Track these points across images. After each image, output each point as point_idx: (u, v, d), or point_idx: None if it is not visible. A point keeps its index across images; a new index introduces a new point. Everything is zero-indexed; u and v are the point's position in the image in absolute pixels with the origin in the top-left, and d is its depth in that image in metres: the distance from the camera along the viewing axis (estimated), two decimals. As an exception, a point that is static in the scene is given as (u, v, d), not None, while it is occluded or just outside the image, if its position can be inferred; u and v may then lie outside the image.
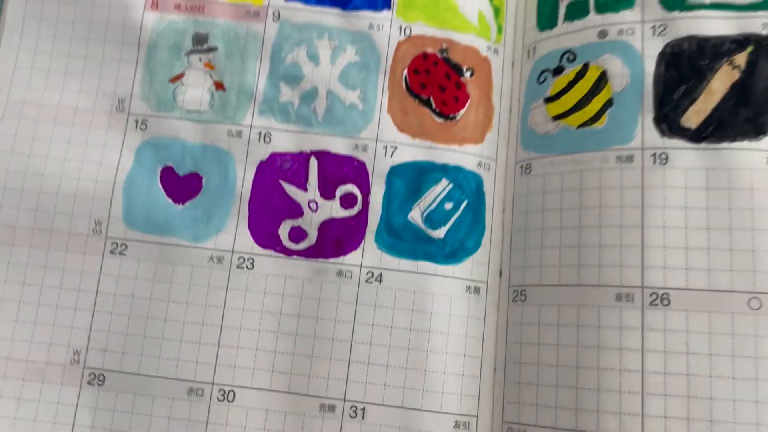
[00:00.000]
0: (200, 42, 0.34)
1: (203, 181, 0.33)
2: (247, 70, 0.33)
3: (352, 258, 0.32)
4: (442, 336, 0.31)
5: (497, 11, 0.35)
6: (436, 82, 0.33)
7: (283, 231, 0.32)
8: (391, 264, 0.32)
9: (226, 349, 0.31)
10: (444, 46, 0.34)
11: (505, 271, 0.32)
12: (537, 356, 0.29)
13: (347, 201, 0.32)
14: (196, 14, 0.34)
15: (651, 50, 0.30)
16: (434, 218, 0.32)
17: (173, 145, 0.33)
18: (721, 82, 0.29)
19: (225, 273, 0.32)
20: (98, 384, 0.31)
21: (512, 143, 0.33)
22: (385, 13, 0.34)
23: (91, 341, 0.31)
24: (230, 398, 0.31)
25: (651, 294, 0.28)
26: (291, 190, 0.32)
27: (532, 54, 0.34)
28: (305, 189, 0.32)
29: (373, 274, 0.32)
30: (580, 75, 0.31)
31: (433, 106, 0.33)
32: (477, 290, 0.32)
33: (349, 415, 0.31)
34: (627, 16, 0.31)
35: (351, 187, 0.32)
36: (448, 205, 0.32)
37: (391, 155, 0.32)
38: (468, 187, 0.32)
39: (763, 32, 0.29)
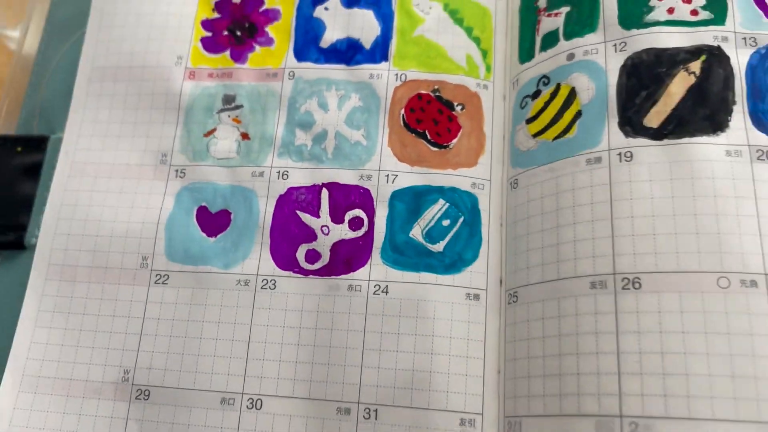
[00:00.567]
0: (229, 102, 0.40)
1: (232, 216, 0.37)
2: (268, 121, 0.39)
3: (361, 274, 0.35)
4: (445, 340, 0.34)
5: (485, 53, 0.39)
6: (430, 117, 0.38)
7: (300, 254, 0.36)
8: (396, 277, 0.35)
9: (253, 362, 0.35)
10: (436, 87, 0.38)
11: (504, 278, 0.35)
12: (527, 351, 0.32)
13: (355, 224, 0.36)
14: (225, 80, 0.40)
15: (613, 64, 0.33)
16: (433, 234, 0.35)
17: (206, 188, 0.38)
18: (678, 85, 0.32)
19: (251, 294, 0.36)
20: (144, 399, 0.35)
21: (505, 164, 0.37)
22: (383, 64, 0.39)
23: (138, 361, 0.36)
24: (258, 406, 0.34)
25: (623, 279, 0.30)
26: (306, 218, 0.37)
27: (516, 85, 0.38)
28: (318, 216, 0.37)
29: (380, 287, 0.35)
30: (554, 95, 0.35)
31: (428, 137, 0.37)
32: (476, 297, 0.34)
33: (363, 416, 0.33)
34: (590, 38, 0.35)
35: (358, 212, 0.36)
36: (446, 222, 0.36)
37: (393, 182, 0.37)
38: (463, 205, 0.36)
39: (714, 43, 0.32)
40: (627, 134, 0.32)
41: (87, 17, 0.43)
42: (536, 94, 0.36)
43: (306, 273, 0.36)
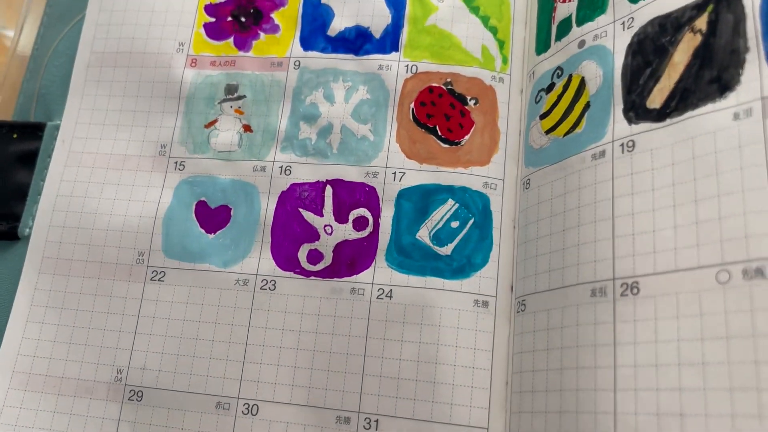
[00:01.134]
0: (231, 92, 0.38)
1: (232, 212, 0.36)
2: (271, 112, 0.37)
3: (365, 276, 0.34)
4: (450, 349, 0.32)
5: (502, 44, 0.37)
6: (441, 112, 0.36)
7: (302, 254, 0.35)
8: (401, 281, 0.33)
9: (250, 365, 0.33)
10: (448, 79, 0.36)
11: (514, 285, 0.33)
12: (532, 364, 0.30)
13: (359, 224, 0.34)
14: (228, 68, 0.38)
15: (620, 45, 0.31)
16: (441, 236, 0.34)
17: (206, 182, 0.36)
18: (683, 52, 0.29)
19: (250, 294, 0.34)
20: (137, 400, 0.34)
21: (520, 163, 0.35)
22: (393, 55, 0.37)
23: (132, 361, 0.34)
24: (254, 412, 0.33)
25: (621, 285, 0.28)
26: (308, 216, 0.35)
27: (532, 78, 0.35)
28: (321, 215, 0.35)
29: (383, 291, 0.33)
30: (566, 87, 0.33)
31: (439, 133, 0.35)
32: (485, 304, 0.33)
33: (364, 426, 0.32)
34: (601, 21, 0.32)
35: (363, 211, 0.35)
36: (455, 224, 0.34)
37: (400, 180, 0.35)
38: (474, 206, 0.34)
39: None
40: (630, 121, 0.30)
41: (87, 1, 0.41)
42: (550, 88, 0.34)
43: (307, 274, 0.34)
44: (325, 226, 0.35)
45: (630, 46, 0.31)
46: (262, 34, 0.39)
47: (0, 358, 0.35)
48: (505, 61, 0.37)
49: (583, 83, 0.32)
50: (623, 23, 0.32)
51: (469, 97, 0.36)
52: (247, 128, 0.37)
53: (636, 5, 0.31)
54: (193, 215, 0.36)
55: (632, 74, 0.30)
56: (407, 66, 0.37)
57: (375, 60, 0.37)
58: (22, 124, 0.39)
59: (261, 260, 0.35)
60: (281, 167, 0.36)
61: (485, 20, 0.37)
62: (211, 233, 0.36)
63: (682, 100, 0.28)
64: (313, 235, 0.35)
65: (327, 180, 0.35)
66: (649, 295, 0.27)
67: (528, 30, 0.37)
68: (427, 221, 0.34)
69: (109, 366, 0.35)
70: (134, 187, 0.37)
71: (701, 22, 0.29)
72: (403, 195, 0.34)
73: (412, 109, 0.36)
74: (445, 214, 0.34)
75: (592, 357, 0.28)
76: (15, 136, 0.39)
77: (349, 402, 0.32)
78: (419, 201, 0.34)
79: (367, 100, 0.36)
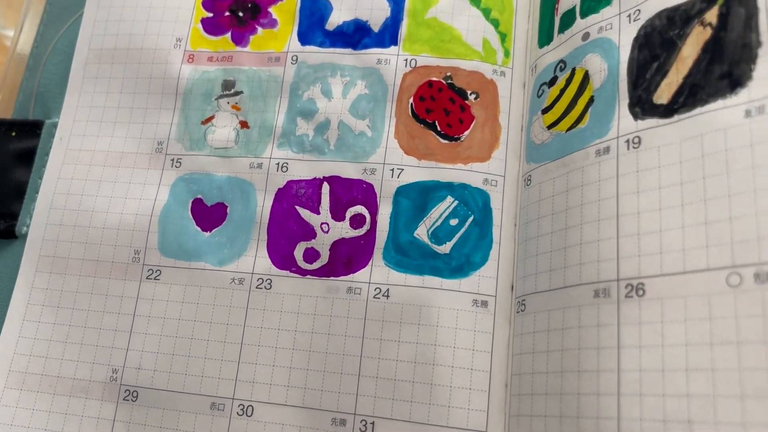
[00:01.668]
0: (228, 87, 0.37)
1: (228, 210, 0.35)
2: (269, 108, 0.36)
3: (361, 275, 0.33)
4: (448, 349, 0.31)
5: (504, 37, 0.36)
6: (440, 107, 0.35)
7: (298, 252, 0.34)
8: (398, 280, 0.32)
9: (245, 366, 0.33)
10: (448, 73, 0.35)
11: (515, 284, 0.32)
12: (532, 366, 0.29)
13: (356, 221, 0.34)
14: (225, 64, 0.38)
15: (626, 38, 0.30)
16: (440, 234, 0.33)
17: (203, 179, 0.36)
18: (692, 46, 0.28)
19: (245, 293, 0.34)
20: (132, 400, 0.33)
21: (522, 159, 0.34)
22: (392, 49, 0.36)
23: (127, 360, 0.34)
24: (249, 413, 0.32)
25: (626, 286, 0.26)
26: (305, 213, 0.34)
27: (535, 71, 0.34)
28: (318, 212, 0.34)
29: (380, 290, 0.32)
30: (569, 81, 0.31)
31: (438, 128, 0.34)
32: (485, 304, 0.32)
33: (360, 429, 0.31)
34: (606, 13, 0.31)
35: (360, 208, 0.34)
36: (454, 222, 0.33)
37: (398, 176, 0.34)
38: (474, 203, 0.33)
39: None
40: (636, 116, 0.28)
41: (86, -3, 0.41)
42: (553, 81, 0.32)
43: (303, 273, 0.34)
44: (322, 223, 0.34)
45: (636, 39, 0.30)
46: (259, 29, 0.38)
47: (-4, 357, 0.35)
48: (507, 54, 0.36)
49: (587, 77, 0.31)
50: (629, 15, 0.31)
51: (469, 92, 0.35)
52: (243, 124, 0.36)
53: None
54: (189, 213, 0.36)
55: (639, 68, 0.29)
56: (406, 60, 0.36)
57: (373, 54, 0.36)
58: (21, 122, 0.39)
59: (257, 259, 0.34)
60: (278, 164, 0.35)
61: (486, 13, 0.36)
62: (207, 231, 0.35)
63: (690, 96, 0.27)
64: (309, 233, 0.34)
65: (324, 177, 0.35)
66: (656, 297, 0.26)
67: (531, 22, 0.36)
68: (425, 219, 0.33)
69: (105, 365, 0.34)
70: (131, 185, 0.37)
71: (711, 15, 0.28)
72: (401, 192, 0.34)
73: (411, 104, 0.35)
74: (444, 212, 0.33)
75: (594, 360, 0.27)
76: (13, 134, 0.39)
77: (344, 404, 0.31)
78: (417, 198, 0.33)
79: (366, 95, 0.36)
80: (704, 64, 0.27)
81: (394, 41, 0.36)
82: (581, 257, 0.28)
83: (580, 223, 0.29)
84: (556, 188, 0.30)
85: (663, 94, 0.28)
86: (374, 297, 0.32)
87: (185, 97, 0.37)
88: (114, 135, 0.38)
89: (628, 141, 0.29)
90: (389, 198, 0.34)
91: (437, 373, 0.31)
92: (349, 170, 0.34)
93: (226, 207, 0.35)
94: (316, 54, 0.37)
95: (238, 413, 0.32)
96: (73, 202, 0.37)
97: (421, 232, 0.33)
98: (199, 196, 0.36)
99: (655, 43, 0.29)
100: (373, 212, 0.34)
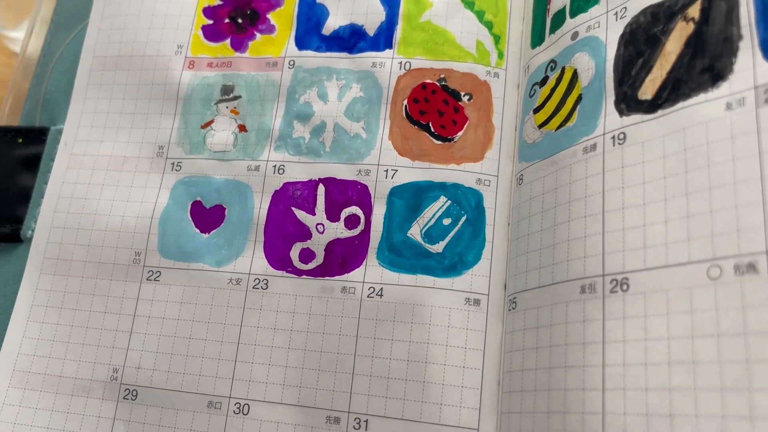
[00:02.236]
0: (227, 92, 0.38)
1: (226, 212, 0.36)
2: (266, 112, 0.37)
3: (355, 275, 0.33)
4: (441, 348, 0.31)
5: (498, 38, 0.36)
6: (434, 109, 0.35)
7: (294, 253, 0.34)
8: (392, 279, 0.33)
9: (242, 365, 0.33)
10: (442, 75, 0.36)
11: (507, 282, 0.32)
12: (522, 363, 0.29)
13: (351, 222, 0.34)
14: (224, 69, 0.38)
15: (613, 36, 0.30)
16: (433, 234, 0.33)
17: (202, 182, 0.37)
18: (675, 41, 0.28)
19: (242, 294, 0.34)
20: (131, 399, 0.34)
21: (515, 159, 0.34)
22: (387, 52, 0.37)
23: (127, 360, 0.35)
24: (245, 411, 0.33)
25: (611, 281, 0.27)
26: (301, 215, 0.35)
27: (527, 72, 0.35)
28: (313, 213, 0.35)
29: (374, 290, 0.33)
30: (559, 80, 0.32)
31: (432, 130, 0.35)
32: (477, 302, 0.32)
33: (353, 426, 0.31)
34: (594, 12, 0.31)
35: (354, 209, 0.34)
36: (447, 221, 0.33)
37: (392, 177, 0.34)
38: (467, 203, 0.33)
39: None
40: (621, 113, 0.29)
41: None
42: (544, 81, 0.33)
43: (299, 273, 0.34)
44: (317, 224, 0.35)
45: (622, 36, 0.30)
46: (258, 35, 0.39)
47: (1, 357, 0.35)
48: (500, 56, 0.36)
49: (575, 75, 0.31)
50: (616, 13, 0.31)
51: (462, 93, 0.35)
52: (242, 128, 0.37)
53: None
54: (189, 215, 0.36)
55: (624, 65, 0.30)
56: (401, 63, 0.36)
57: (368, 58, 0.37)
58: (27, 129, 0.40)
59: (254, 259, 0.35)
60: (275, 166, 0.36)
61: (480, 15, 0.37)
62: (205, 233, 0.36)
63: (674, 91, 0.27)
64: (305, 234, 0.35)
65: (319, 178, 0.35)
66: (639, 292, 0.26)
67: (525, 24, 0.37)
68: (418, 219, 0.33)
69: (106, 365, 0.35)
70: (132, 188, 0.37)
71: (694, 10, 0.28)
72: (395, 192, 0.34)
73: (405, 106, 0.35)
74: (437, 212, 0.33)
75: (580, 355, 0.27)
76: (20, 140, 0.40)
77: (339, 402, 0.32)
78: (411, 198, 0.34)
79: (360, 98, 0.36)
80: (687, 58, 0.27)
81: (388, 45, 0.37)
82: (569, 254, 0.28)
83: (568, 219, 0.29)
84: (546, 186, 0.30)
85: (647, 90, 0.28)
86: (368, 296, 0.33)
87: (185, 102, 0.38)
88: (117, 140, 0.38)
89: (613, 137, 0.29)
90: (383, 199, 0.34)
91: (429, 371, 0.31)
92: (344, 172, 0.35)
93: (225, 209, 0.36)
94: (312, 58, 0.37)
95: (234, 411, 0.33)
96: (77, 205, 0.38)
97: (415, 232, 0.33)
98: (198, 199, 0.36)
99: (640, 40, 0.29)
100: (368, 213, 0.34)
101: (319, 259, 0.34)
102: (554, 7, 0.34)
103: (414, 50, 0.36)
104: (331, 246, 0.34)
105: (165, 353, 0.34)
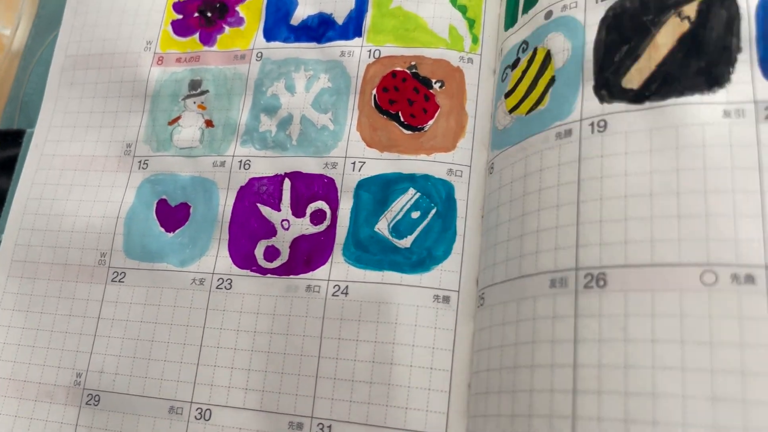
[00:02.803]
0: (195, 87, 0.37)
1: (191, 210, 0.35)
2: (233, 106, 0.36)
3: (321, 273, 0.32)
4: (407, 348, 0.29)
5: (472, 22, 0.35)
6: (404, 97, 0.33)
7: (259, 251, 0.33)
8: (357, 276, 0.31)
9: (204, 368, 0.32)
10: (413, 62, 0.34)
11: (479, 277, 0.30)
12: (488, 362, 0.27)
13: (317, 217, 0.33)
14: (193, 64, 0.37)
15: (593, 18, 0.28)
16: (401, 228, 0.31)
17: (167, 180, 0.35)
18: (667, 35, 0.26)
19: (205, 294, 0.33)
20: (94, 404, 0.33)
21: (488, 147, 0.32)
22: (356, 41, 0.35)
23: (90, 364, 0.33)
24: (207, 417, 0.31)
25: (585, 275, 0.24)
26: (266, 211, 0.33)
27: (500, 55, 0.33)
28: (279, 209, 0.33)
29: (339, 288, 0.31)
30: (530, 61, 0.30)
31: (401, 119, 0.33)
32: (446, 299, 0.30)
33: (316, 433, 0.30)
34: None
35: (320, 204, 0.33)
36: (415, 214, 0.31)
37: (359, 170, 0.33)
38: (437, 194, 0.31)
39: None
40: (602, 99, 0.27)
41: (68, 6, 0.41)
42: (515, 64, 0.31)
43: (264, 272, 0.32)
44: (282, 221, 0.33)
45: (604, 20, 0.28)
46: (226, 28, 0.37)
47: (-35, 362, 0.35)
48: (475, 40, 0.34)
49: (548, 56, 0.29)
50: None
51: (434, 80, 0.33)
52: (209, 123, 0.36)
53: None
54: (154, 214, 0.35)
55: (606, 50, 0.28)
56: (370, 51, 0.35)
57: (337, 47, 0.35)
58: (4, 132, 0.40)
59: (218, 258, 0.33)
60: (240, 161, 0.35)
61: (453, -1, 0.35)
62: (170, 232, 0.35)
63: (664, 85, 0.26)
64: (270, 231, 0.33)
65: (285, 173, 0.34)
66: (619, 290, 0.24)
67: (502, 6, 0.35)
68: (386, 212, 0.32)
69: (69, 369, 0.34)
70: (99, 188, 0.36)
71: (690, 9, 0.27)
72: (362, 186, 0.32)
73: (374, 95, 0.34)
74: (405, 204, 0.32)
75: (549, 354, 0.25)
76: (-5, 143, 0.39)
77: (302, 407, 0.30)
78: (379, 192, 0.32)
79: (329, 89, 0.34)
80: (680, 56, 0.26)
81: (358, 33, 0.35)
82: (538, 245, 0.26)
83: (537, 209, 0.27)
84: (515, 174, 0.28)
85: (634, 79, 0.27)
86: (333, 295, 0.31)
87: (153, 98, 0.37)
88: (86, 139, 0.38)
89: (592, 124, 0.27)
90: (350, 192, 0.32)
91: (395, 373, 0.29)
92: (311, 165, 0.33)
93: (190, 207, 0.35)
94: (280, 50, 0.36)
95: (196, 417, 0.31)
96: (45, 206, 0.37)
97: (382, 227, 0.31)
98: (163, 197, 0.35)
99: (626, 26, 0.27)
100: (334, 207, 0.32)
101: (284, 256, 0.32)
102: (527, -14, 0.32)
103: (384, 38, 0.35)
104: (297, 243, 0.32)
105: (127, 357, 0.33)
